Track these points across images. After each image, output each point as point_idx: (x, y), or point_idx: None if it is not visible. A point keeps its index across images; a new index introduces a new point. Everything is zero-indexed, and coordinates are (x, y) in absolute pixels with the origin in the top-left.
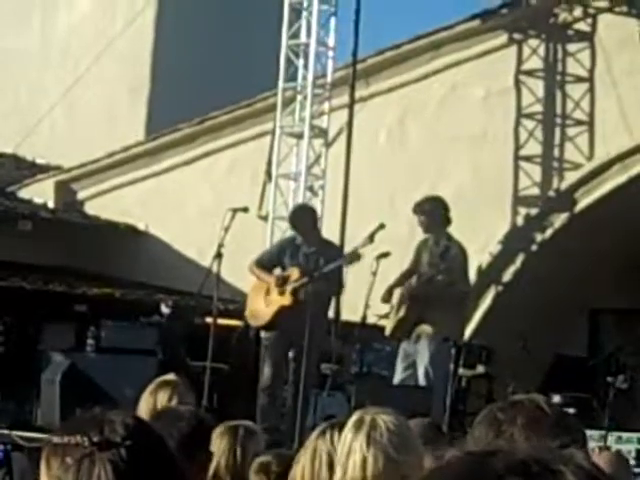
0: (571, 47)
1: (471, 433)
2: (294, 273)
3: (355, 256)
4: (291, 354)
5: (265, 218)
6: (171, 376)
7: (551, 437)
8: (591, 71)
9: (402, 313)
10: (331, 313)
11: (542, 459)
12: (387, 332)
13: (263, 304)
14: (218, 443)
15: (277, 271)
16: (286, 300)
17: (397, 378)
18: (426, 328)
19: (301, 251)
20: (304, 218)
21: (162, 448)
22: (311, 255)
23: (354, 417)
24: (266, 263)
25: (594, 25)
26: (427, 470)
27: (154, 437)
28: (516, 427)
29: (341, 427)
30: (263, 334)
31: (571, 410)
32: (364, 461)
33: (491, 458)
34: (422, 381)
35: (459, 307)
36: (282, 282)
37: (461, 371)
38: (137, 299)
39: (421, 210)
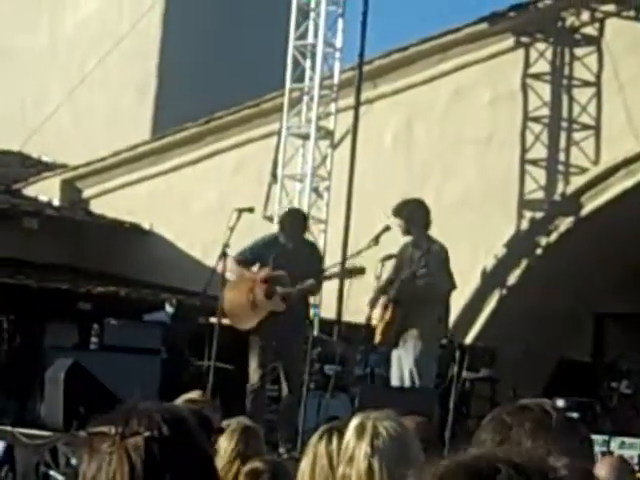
0: (578, 51)
1: (477, 436)
2: (282, 276)
3: (359, 271)
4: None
5: (270, 219)
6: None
7: (558, 442)
8: (598, 75)
9: (388, 317)
10: (334, 315)
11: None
12: (377, 340)
13: (247, 305)
14: (222, 442)
15: (255, 269)
16: (279, 306)
17: (394, 384)
18: (411, 331)
19: (283, 250)
20: (295, 223)
21: (192, 441)
22: (294, 256)
23: (355, 422)
24: (248, 260)
25: (601, 29)
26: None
27: (183, 430)
28: (523, 431)
29: (340, 430)
30: (251, 336)
31: (574, 415)
32: (369, 468)
33: (477, 464)
34: (407, 382)
35: (442, 307)
36: (269, 283)
37: (465, 374)
38: (141, 298)
39: (399, 213)
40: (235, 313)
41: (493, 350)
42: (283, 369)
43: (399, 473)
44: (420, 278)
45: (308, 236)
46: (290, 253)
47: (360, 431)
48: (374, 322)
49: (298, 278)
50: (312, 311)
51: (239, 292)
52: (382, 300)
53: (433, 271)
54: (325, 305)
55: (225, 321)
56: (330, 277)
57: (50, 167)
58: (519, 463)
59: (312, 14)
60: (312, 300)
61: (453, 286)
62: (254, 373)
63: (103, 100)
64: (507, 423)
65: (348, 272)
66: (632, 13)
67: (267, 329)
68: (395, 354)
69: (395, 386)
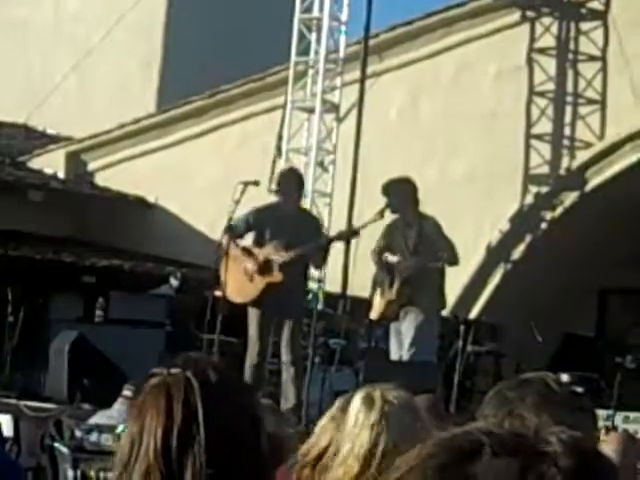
0: (584, 26)
1: (480, 411)
2: (278, 248)
3: (353, 233)
4: (287, 329)
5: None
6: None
7: (561, 416)
8: (604, 50)
9: (393, 296)
10: (339, 289)
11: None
12: (374, 315)
13: (246, 279)
14: None
15: (249, 241)
16: (276, 277)
17: (393, 357)
18: (412, 306)
19: (279, 218)
20: (290, 180)
21: (236, 396)
22: (289, 223)
23: (361, 394)
24: (241, 231)
25: (608, 4)
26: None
27: (228, 382)
28: (525, 406)
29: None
30: (249, 309)
31: (579, 389)
32: (378, 436)
33: (471, 435)
34: (406, 356)
35: (442, 279)
36: (267, 262)
37: (469, 348)
38: (146, 271)
39: (387, 192)
40: (238, 290)
41: (497, 325)
42: (284, 338)
43: (409, 442)
44: (427, 259)
45: (312, 208)
46: (288, 219)
47: (369, 401)
48: (376, 299)
49: (296, 244)
50: (317, 285)
51: (236, 267)
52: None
53: (435, 247)
54: (330, 279)
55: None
56: (328, 243)
57: (55, 140)
58: (505, 436)
59: None
60: (317, 274)
61: (456, 259)
62: (253, 346)
63: (108, 73)
64: (509, 398)
65: (343, 235)
66: None
67: (265, 300)
68: (393, 327)
69: (399, 360)
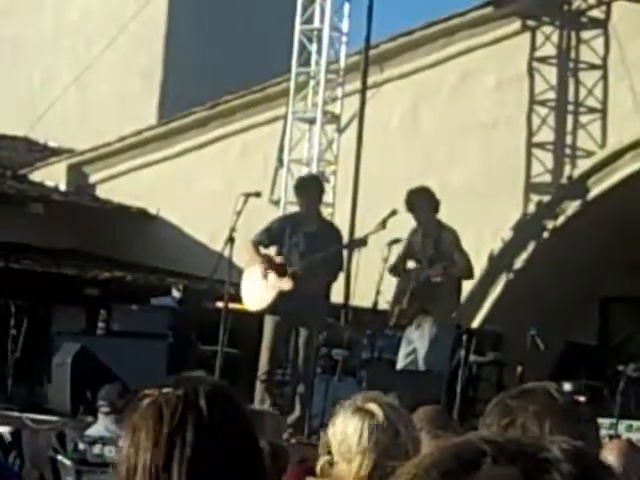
0: (585, 34)
1: (482, 421)
2: (294, 257)
3: (361, 242)
4: (302, 339)
5: (277, 203)
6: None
7: (563, 425)
8: (604, 59)
9: (404, 305)
10: (341, 299)
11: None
12: (391, 322)
13: (262, 288)
14: None
15: (272, 253)
16: (286, 284)
17: (399, 365)
18: (427, 316)
19: (301, 230)
20: (311, 187)
21: (232, 414)
22: (311, 235)
23: (350, 402)
24: (264, 243)
25: (608, 12)
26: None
27: (222, 400)
28: (528, 415)
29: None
30: (266, 317)
31: (582, 398)
32: (363, 446)
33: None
34: (421, 366)
35: (456, 291)
36: (283, 269)
37: (472, 358)
38: (148, 283)
39: (409, 205)
40: (253, 299)
41: (500, 333)
42: (299, 348)
43: (391, 454)
44: (438, 269)
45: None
46: (308, 229)
47: (354, 411)
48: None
49: (313, 254)
50: None
51: (253, 278)
52: (396, 283)
53: (450, 259)
54: (332, 289)
55: (231, 305)
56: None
57: (56, 152)
58: (506, 444)
59: None
60: None
61: (469, 273)
62: (264, 353)
63: (109, 85)
64: (511, 407)
65: (353, 245)
66: None
67: (282, 309)
68: (406, 334)
69: (402, 369)
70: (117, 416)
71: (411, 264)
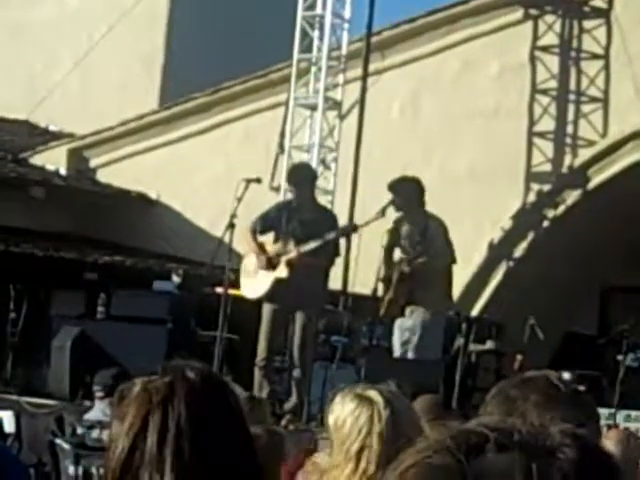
0: (587, 24)
1: (482, 409)
2: (289, 245)
3: (350, 228)
4: (298, 326)
5: (277, 189)
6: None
7: (564, 414)
8: (607, 48)
9: (391, 294)
10: (340, 286)
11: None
12: (381, 312)
13: (259, 276)
14: None
15: (269, 240)
16: (282, 272)
17: (396, 353)
18: (417, 305)
19: (297, 217)
20: (302, 174)
21: (221, 399)
22: (307, 222)
23: (350, 390)
24: (260, 229)
25: (610, 2)
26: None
27: (211, 385)
28: (529, 404)
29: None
30: (264, 305)
31: (581, 387)
32: (368, 435)
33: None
34: (413, 355)
35: (445, 280)
36: (276, 257)
37: (471, 346)
38: (148, 268)
39: (392, 190)
40: (251, 287)
41: (499, 322)
42: (295, 335)
43: (395, 443)
44: (421, 257)
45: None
46: (303, 215)
47: (358, 396)
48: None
49: (308, 241)
50: None
51: (251, 266)
52: (383, 274)
53: (433, 249)
54: (331, 276)
55: (231, 291)
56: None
57: (57, 136)
58: (509, 431)
59: None
60: None
61: (453, 260)
62: (262, 340)
63: (111, 70)
64: (512, 396)
65: (345, 232)
66: None
67: (279, 296)
68: (398, 323)
69: (401, 358)
70: (112, 399)
71: (398, 253)
